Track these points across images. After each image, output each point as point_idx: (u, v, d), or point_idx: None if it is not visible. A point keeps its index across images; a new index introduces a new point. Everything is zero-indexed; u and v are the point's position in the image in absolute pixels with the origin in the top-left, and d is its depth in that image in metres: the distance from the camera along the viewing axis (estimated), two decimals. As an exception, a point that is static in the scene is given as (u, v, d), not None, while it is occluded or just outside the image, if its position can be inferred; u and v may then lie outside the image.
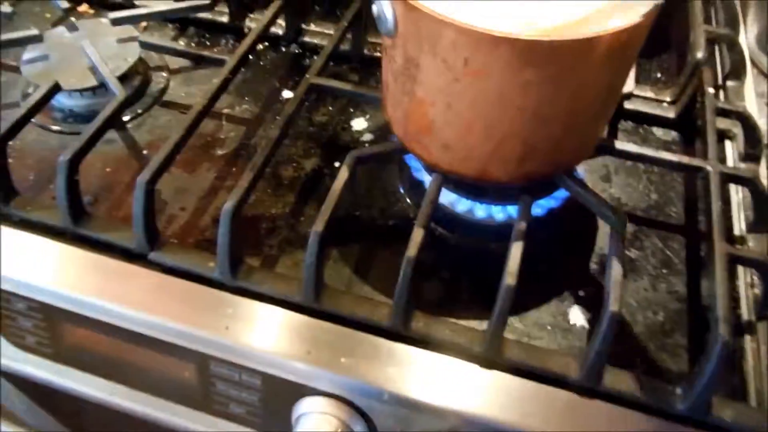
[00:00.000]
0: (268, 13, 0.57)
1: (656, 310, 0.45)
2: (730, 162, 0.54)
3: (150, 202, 0.43)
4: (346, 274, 0.46)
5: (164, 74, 0.60)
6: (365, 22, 0.60)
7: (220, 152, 0.54)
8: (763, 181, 0.53)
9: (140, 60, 0.58)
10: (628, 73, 0.39)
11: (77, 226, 0.45)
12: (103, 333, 0.43)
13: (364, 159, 0.45)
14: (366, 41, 0.62)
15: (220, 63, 0.53)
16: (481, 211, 0.47)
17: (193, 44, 0.64)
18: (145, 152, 0.54)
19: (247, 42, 0.53)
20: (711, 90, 0.52)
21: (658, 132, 0.58)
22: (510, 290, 0.38)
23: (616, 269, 0.38)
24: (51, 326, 0.45)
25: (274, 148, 0.46)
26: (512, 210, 0.46)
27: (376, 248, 0.48)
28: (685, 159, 0.46)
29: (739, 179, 0.46)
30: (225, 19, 0.64)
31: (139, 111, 0.57)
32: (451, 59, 0.35)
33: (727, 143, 0.56)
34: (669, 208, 0.52)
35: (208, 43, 0.64)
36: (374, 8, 0.37)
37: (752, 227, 0.48)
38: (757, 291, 0.45)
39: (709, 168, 0.45)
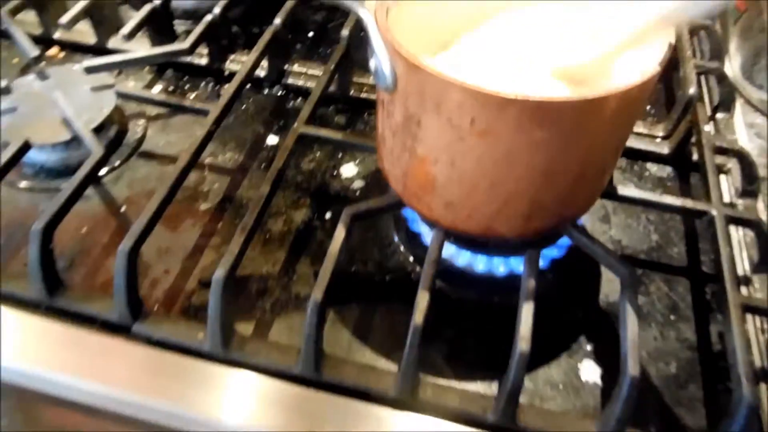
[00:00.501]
0: (251, 56, 0.55)
1: (668, 361, 0.44)
2: (726, 197, 0.54)
3: (132, 272, 0.40)
4: (345, 338, 0.43)
5: (142, 122, 0.57)
6: (352, 63, 0.58)
7: (203, 206, 0.51)
8: (762, 214, 0.53)
9: (116, 108, 0.55)
10: (636, 121, 0.38)
11: (53, 298, 0.42)
12: (84, 415, 0.40)
13: (360, 216, 0.43)
14: (352, 82, 0.60)
15: (202, 112, 0.51)
16: (482, 264, 0.45)
17: (171, 88, 0.61)
18: (123, 209, 0.51)
19: (230, 90, 0.51)
20: (707, 127, 0.51)
21: (653, 168, 0.57)
22: (524, 357, 0.36)
23: (631, 329, 0.37)
24: (26, 409, 0.41)
25: (265, 207, 0.43)
26: (515, 262, 0.45)
27: (375, 306, 0.45)
28: (689, 203, 0.45)
29: (744, 222, 0.45)
30: (204, 61, 0.62)
31: (116, 163, 0.54)
32: (457, 119, 0.33)
33: (722, 177, 0.55)
34: (670, 248, 0.51)
35: (187, 87, 0.62)
36: (372, 63, 0.35)
37: (756, 268, 0.47)
38: (769, 337, 0.44)
39: (714, 212, 0.44)
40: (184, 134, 0.57)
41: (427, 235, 0.47)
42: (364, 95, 0.60)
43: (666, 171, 0.57)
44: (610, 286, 0.48)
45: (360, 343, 0.43)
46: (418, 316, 0.37)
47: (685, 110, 0.54)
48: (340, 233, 0.41)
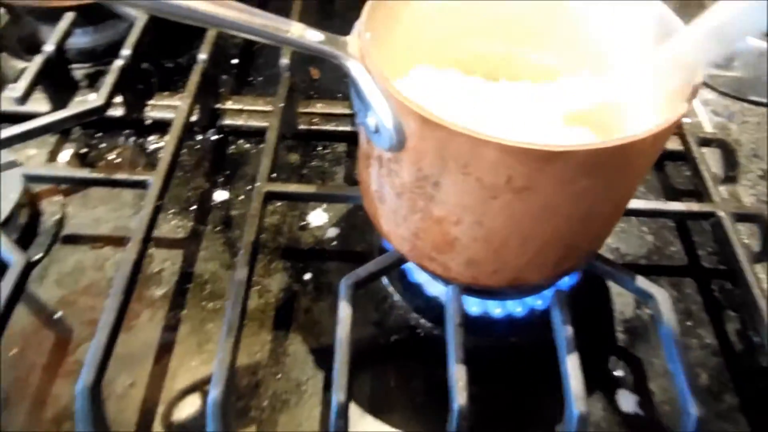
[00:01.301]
0: (184, 102, 0.47)
1: (697, 372, 0.42)
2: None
3: (98, 413, 0.32)
4: (367, 420, 0.37)
5: (57, 199, 0.48)
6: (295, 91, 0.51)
7: (159, 292, 0.43)
8: (743, 198, 0.52)
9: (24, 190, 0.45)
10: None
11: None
12: None
13: (362, 283, 0.37)
14: (299, 113, 0.53)
15: (142, 185, 0.42)
16: (498, 308, 0.40)
17: (84, 150, 0.51)
18: (59, 314, 0.42)
19: (169, 150, 0.43)
20: (686, 119, 0.49)
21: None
22: (584, 419, 0.32)
23: (683, 361, 0.34)
24: None
25: (246, 295, 0.36)
26: (532, 300, 0.41)
27: (386, 375, 0.40)
28: (694, 207, 0.43)
29: (750, 217, 0.44)
30: (119, 112, 0.52)
31: (36, 257, 0.44)
32: (490, 178, 0.28)
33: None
34: (668, 248, 0.49)
35: (103, 146, 0.52)
36: (368, 121, 0.29)
37: (759, 257, 0.46)
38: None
39: (720, 213, 0.42)
40: (113, 205, 0.48)
41: (429, 284, 0.42)
42: (314, 127, 0.53)
43: (640, 164, 0.55)
44: (621, 300, 0.45)
45: (382, 419, 0.37)
46: (461, 396, 0.32)
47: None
48: (345, 311, 0.35)
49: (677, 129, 0.50)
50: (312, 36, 0.29)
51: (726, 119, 0.60)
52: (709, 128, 0.58)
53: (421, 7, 0.35)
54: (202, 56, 0.50)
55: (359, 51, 0.30)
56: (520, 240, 0.31)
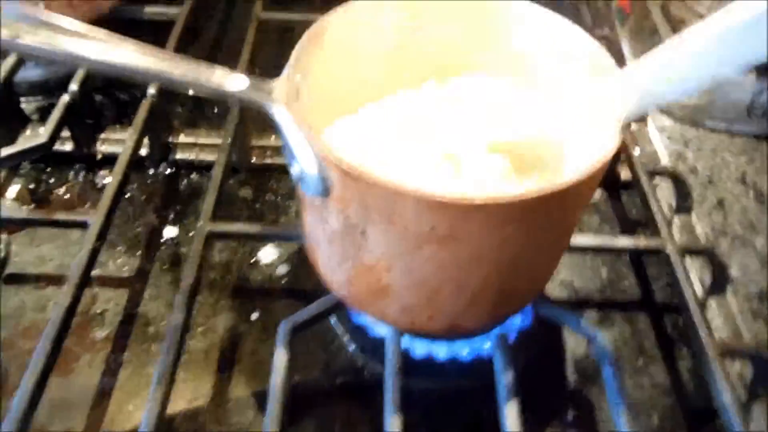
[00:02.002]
0: (129, 137, 0.46)
1: (650, 413, 0.41)
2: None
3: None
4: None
5: (3, 237, 0.47)
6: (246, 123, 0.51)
7: (100, 333, 0.42)
8: (696, 226, 0.52)
9: (-36, 229, 0.44)
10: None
11: None
12: None
13: (300, 327, 0.36)
14: (251, 146, 0.53)
15: (81, 225, 0.41)
16: (443, 351, 0.40)
17: (32, 186, 0.51)
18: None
19: (109, 193, 0.42)
20: (637, 151, 0.49)
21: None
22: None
23: (625, 413, 0.33)
24: None
25: (182, 339, 0.35)
26: (480, 342, 0.40)
27: (332, 420, 0.39)
28: (642, 242, 0.43)
29: (699, 252, 0.43)
30: (69, 147, 0.52)
31: (-24, 298, 0.43)
32: (414, 228, 0.27)
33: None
34: (622, 282, 0.49)
35: (52, 181, 0.51)
36: (294, 168, 0.29)
37: (711, 290, 0.46)
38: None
39: (668, 249, 0.42)
40: (61, 242, 0.47)
41: (375, 324, 0.41)
42: (268, 160, 0.53)
43: (597, 193, 0.55)
44: (573, 339, 0.44)
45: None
46: (395, 448, 0.31)
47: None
48: (281, 357, 0.34)
49: (627, 159, 0.50)
50: (235, 83, 0.28)
51: (682, 146, 0.60)
52: (664, 156, 0.58)
53: (354, 45, 0.35)
54: (151, 90, 0.49)
55: (286, 95, 0.29)
56: (453, 288, 0.31)
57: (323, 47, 0.33)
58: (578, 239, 0.42)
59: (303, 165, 0.28)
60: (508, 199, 0.26)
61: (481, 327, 0.35)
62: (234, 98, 0.29)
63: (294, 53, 0.32)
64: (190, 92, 0.29)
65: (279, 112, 0.29)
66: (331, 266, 0.34)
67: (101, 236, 0.40)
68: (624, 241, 0.43)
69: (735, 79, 0.59)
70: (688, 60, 0.24)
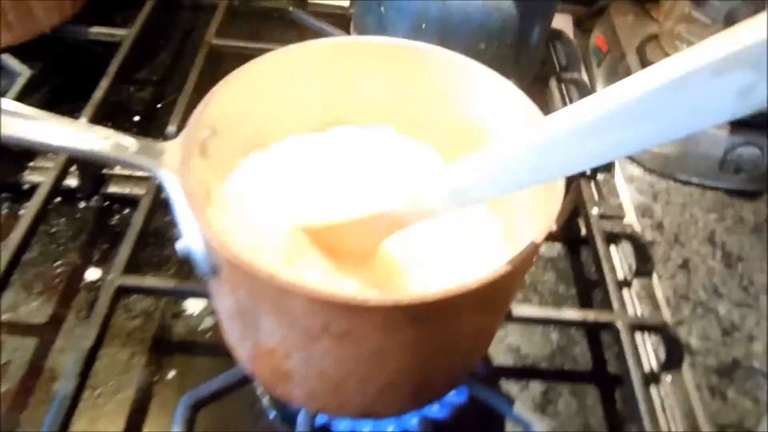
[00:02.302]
0: (55, 165, 0.43)
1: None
2: (620, 274, 0.50)
3: None
4: None
5: None
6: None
7: (1, 389, 0.39)
8: (656, 290, 0.50)
9: None
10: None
11: None
12: None
13: (204, 402, 0.33)
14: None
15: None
16: (367, 427, 0.37)
17: (-52, 216, 0.47)
18: None
19: (22, 226, 0.39)
20: (594, 210, 0.46)
21: (542, 247, 0.52)
22: None
23: None
24: None
25: (67, 422, 0.32)
26: (407, 419, 0.37)
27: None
28: (590, 316, 0.40)
29: (649, 328, 0.40)
30: (-7, 176, 0.48)
31: None
32: (305, 322, 0.24)
33: (614, 249, 0.51)
34: (572, 349, 0.46)
35: (-28, 211, 0.48)
36: (178, 244, 0.26)
37: (665, 366, 0.43)
38: None
39: (618, 324, 0.39)
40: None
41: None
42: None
43: (556, 249, 0.52)
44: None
45: None
46: None
47: (567, 185, 0.49)
48: (177, 439, 0.31)
49: (584, 218, 0.47)
50: (120, 146, 0.25)
51: (650, 199, 0.58)
52: (629, 210, 0.55)
53: (269, 92, 0.32)
54: (83, 119, 0.46)
55: (180, 157, 0.26)
56: (358, 381, 0.27)
57: (235, 97, 0.30)
58: (523, 309, 0.39)
59: (189, 241, 0.25)
60: (404, 301, 0.22)
61: (402, 411, 0.32)
62: (115, 163, 0.26)
63: (198, 109, 0.28)
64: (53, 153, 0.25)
65: (168, 179, 0.25)
66: (235, 340, 0.31)
67: (7, 276, 0.37)
68: (570, 314, 0.39)
69: (708, 133, 0.57)
70: (501, 165, 0.22)
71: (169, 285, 0.38)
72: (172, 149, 0.26)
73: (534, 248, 0.24)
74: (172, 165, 0.26)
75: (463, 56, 0.32)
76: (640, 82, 0.18)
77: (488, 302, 0.26)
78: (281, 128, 0.34)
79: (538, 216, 0.27)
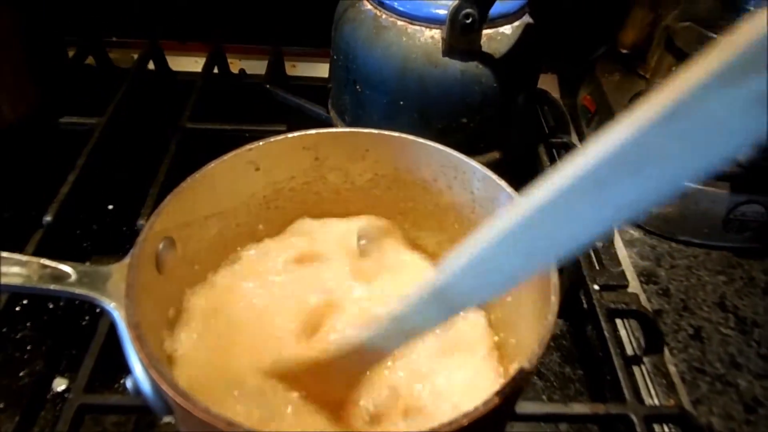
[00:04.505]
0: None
1: None
2: (629, 349, 0.46)
3: None
4: None
5: None
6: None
7: None
8: (671, 368, 0.46)
9: None
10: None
11: None
12: None
13: None
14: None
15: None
16: None
17: None
18: None
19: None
20: (596, 286, 0.43)
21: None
22: None
23: None
24: None
25: None
26: None
27: None
28: (601, 409, 0.36)
29: (666, 418, 0.37)
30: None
31: None
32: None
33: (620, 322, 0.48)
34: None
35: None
36: (127, 383, 0.23)
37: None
38: None
39: (632, 416, 0.35)
40: None
41: None
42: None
43: (558, 325, 0.49)
44: None
45: None
46: None
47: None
48: None
49: (585, 294, 0.44)
50: (55, 277, 0.23)
51: (653, 264, 0.55)
52: (633, 278, 0.52)
53: (230, 193, 0.30)
54: (47, 218, 0.44)
55: (127, 283, 0.23)
56: None
57: (194, 203, 0.28)
58: (529, 407, 0.36)
59: (136, 376, 0.22)
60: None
61: None
62: (63, 295, 0.23)
63: (150, 220, 0.26)
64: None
65: (111, 312, 0.23)
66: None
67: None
68: (581, 408, 0.36)
69: (707, 191, 0.54)
70: (484, 253, 0.19)
71: (136, 402, 0.35)
72: (119, 272, 0.24)
73: (526, 376, 0.21)
74: (116, 294, 0.23)
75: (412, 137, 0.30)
76: (640, 116, 0.14)
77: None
78: (249, 230, 0.31)
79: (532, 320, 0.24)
